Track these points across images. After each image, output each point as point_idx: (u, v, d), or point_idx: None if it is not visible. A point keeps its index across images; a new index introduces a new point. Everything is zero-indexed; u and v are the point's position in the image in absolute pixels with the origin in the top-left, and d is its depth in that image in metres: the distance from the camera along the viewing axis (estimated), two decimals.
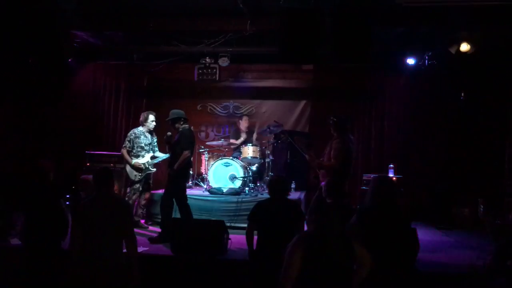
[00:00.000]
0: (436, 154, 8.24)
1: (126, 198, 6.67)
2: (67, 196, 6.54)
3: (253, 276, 4.24)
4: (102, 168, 3.96)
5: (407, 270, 3.82)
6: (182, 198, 5.99)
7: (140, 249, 5.39)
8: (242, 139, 8.31)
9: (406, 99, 8.41)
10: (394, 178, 7.07)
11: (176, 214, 6.66)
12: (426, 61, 7.46)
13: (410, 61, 7.58)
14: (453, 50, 6.40)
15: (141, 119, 6.78)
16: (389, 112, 8.54)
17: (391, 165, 7.42)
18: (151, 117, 6.73)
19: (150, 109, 7.58)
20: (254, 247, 4.27)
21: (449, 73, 7.83)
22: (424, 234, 6.22)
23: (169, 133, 6.18)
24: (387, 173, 7.35)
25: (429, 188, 8.05)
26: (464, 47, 6.31)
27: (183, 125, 6.11)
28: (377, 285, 3.33)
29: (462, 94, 7.96)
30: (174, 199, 5.98)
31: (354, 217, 3.73)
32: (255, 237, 4.30)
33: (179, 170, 5.92)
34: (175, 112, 6.25)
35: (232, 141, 8.49)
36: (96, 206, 3.61)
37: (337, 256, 2.85)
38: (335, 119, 5.57)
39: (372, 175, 7.25)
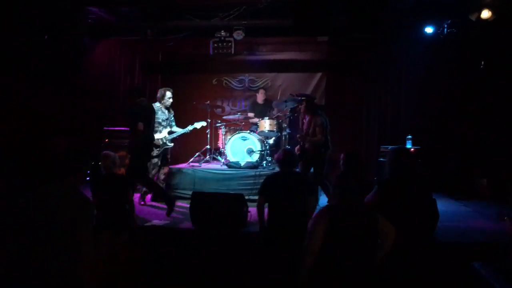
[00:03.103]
0: (455, 125, 8.13)
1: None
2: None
3: (265, 249, 4.29)
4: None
5: (427, 241, 3.84)
6: (142, 174, 6.03)
7: (161, 222, 5.52)
8: (257, 112, 8.30)
9: (424, 69, 8.27)
10: (412, 150, 7.03)
11: (196, 188, 6.80)
12: (445, 29, 7.30)
13: (429, 30, 7.44)
14: (473, 18, 6.24)
15: (158, 95, 6.80)
16: (406, 83, 8.43)
17: (409, 136, 7.37)
18: (168, 94, 6.74)
19: (165, 84, 7.59)
20: (265, 220, 4.31)
21: (469, 41, 7.64)
22: (443, 205, 6.21)
23: None
24: (405, 144, 7.30)
25: (447, 158, 7.99)
26: (485, 14, 6.14)
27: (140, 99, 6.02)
28: (397, 255, 3.36)
29: (482, 63, 7.78)
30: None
31: (374, 190, 3.74)
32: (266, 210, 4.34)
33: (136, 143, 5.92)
34: None
35: (250, 114, 8.50)
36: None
37: (360, 229, 2.87)
38: (305, 98, 6.54)
39: (389, 147, 7.25)
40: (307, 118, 6.43)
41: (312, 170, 6.38)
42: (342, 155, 4.45)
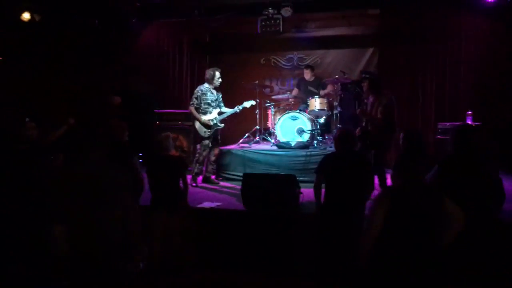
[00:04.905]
0: None
1: (197, 155, 6.80)
2: (140, 154, 6.80)
3: (321, 230, 4.19)
4: None
5: (492, 222, 3.63)
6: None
7: (214, 204, 5.51)
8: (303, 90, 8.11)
9: (485, 40, 7.73)
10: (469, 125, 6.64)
11: (246, 169, 6.76)
12: None
13: None
14: None
15: (206, 76, 6.75)
16: (466, 55, 7.89)
17: (469, 112, 6.97)
18: (218, 74, 6.68)
19: (213, 65, 7.54)
20: (322, 200, 4.20)
21: None
22: (509, 184, 5.84)
23: None
24: (465, 120, 6.92)
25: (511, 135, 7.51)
26: None
27: None
28: (460, 238, 3.17)
29: None
30: None
31: (434, 169, 3.53)
32: (323, 190, 4.23)
33: None
34: None
35: (294, 91, 8.34)
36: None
37: (424, 211, 2.71)
38: (368, 76, 5.99)
39: (448, 124, 6.90)
40: (370, 99, 5.92)
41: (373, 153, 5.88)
42: (401, 134, 4.24)
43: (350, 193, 3.99)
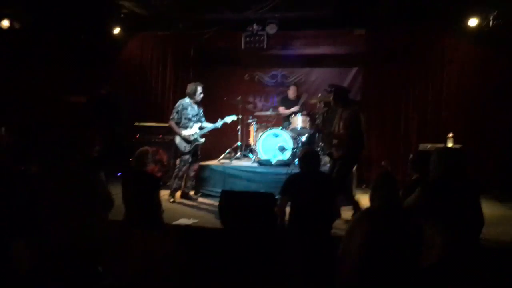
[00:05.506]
0: (500, 123, 7.66)
1: (176, 170, 6.66)
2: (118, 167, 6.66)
3: (286, 252, 4.13)
4: None
5: (472, 246, 3.57)
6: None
7: (190, 221, 5.37)
8: (293, 109, 8.04)
9: (468, 63, 7.81)
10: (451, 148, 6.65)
11: (226, 186, 6.65)
12: (491, 21, 6.87)
13: (473, 22, 7.03)
14: None
15: (188, 90, 6.65)
16: (449, 77, 7.96)
17: (450, 134, 6.97)
18: (199, 89, 6.60)
19: (197, 79, 7.46)
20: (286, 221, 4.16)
21: None
22: (487, 208, 5.79)
23: None
24: (445, 142, 6.92)
25: (491, 158, 7.55)
26: None
27: None
28: (441, 260, 3.11)
29: None
30: None
31: (417, 191, 3.47)
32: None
33: None
34: None
35: (280, 108, 8.27)
36: None
37: (402, 234, 2.63)
38: (333, 89, 5.79)
39: (428, 145, 6.88)
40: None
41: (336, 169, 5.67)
42: (411, 156, 4.22)
43: (315, 214, 3.92)
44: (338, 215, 5.41)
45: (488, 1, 6.56)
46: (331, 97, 5.87)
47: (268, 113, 8.14)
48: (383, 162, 6.75)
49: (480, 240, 3.75)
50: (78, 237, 3.19)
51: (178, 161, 6.77)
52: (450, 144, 6.85)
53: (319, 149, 7.49)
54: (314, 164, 4.19)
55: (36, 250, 3.10)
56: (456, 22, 7.20)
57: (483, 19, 6.97)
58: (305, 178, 4.18)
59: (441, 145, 6.75)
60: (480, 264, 3.76)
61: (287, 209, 4.24)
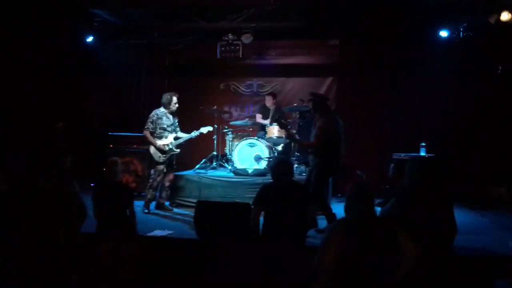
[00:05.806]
0: (471, 131, 7.83)
1: (151, 180, 6.58)
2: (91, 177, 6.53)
3: (260, 261, 4.08)
4: None
5: (446, 255, 3.62)
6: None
7: (165, 232, 5.30)
8: (269, 119, 8.04)
9: (439, 74, 7.97)
10: (427, 157, 6.75)
11: (201, 196, 6.59)
12: (461, 32, 7.04)
13: (443, 33, 7.19)
14: (492, 20, 5.98)
15: (163, 101, 6.60)
16: (421, 87, 8.09)
17: (423, 143, 7.09)
18: (175, 99, 6.55)
19: (172, 88, 7.44)
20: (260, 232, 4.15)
21: (486, 45, 7.36)
22: (459, 216, 5.88)
23: None
24: (418, 151, 7.03)
25: (462, 167, 7.70)
26: (505, 16, 5.88)
27: None
28: (416, 269, 3.13)
29: (500, 68, 7.49)
30: None
31: (391, 201, 3.50)
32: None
33: None
34: None
35: (258, 116, 8.27)
36: None
37: (377, 244, 2.64)
38: (313, 98, 5.67)
39: (402, 154, 6.97)
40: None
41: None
42: (392, 165, 4.23)
43: (289, 223, 3.92)
44: (315, 225, 5.41)
45: (458, 13, 6.71)
46: (311, 105, 5.80)
47: (244, 122, 8.12)
48: (358, 171, 6.81)
49: (453, 248, 3.82)
50: (51, 247, 3.12)
51: (152, 171, 6.68)
52: (423, 153, 6.97)
53: (295, 158, 7.52)
54: (287, 174, 4.20)
55: (8, 262, 3.00)
56: (427, 33, 7.35)
57: (453, 31, 7.14)
58: (278, 187, 4.17)
59: (414, 154, 6.87)
60: (452, 272, 3.83)
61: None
